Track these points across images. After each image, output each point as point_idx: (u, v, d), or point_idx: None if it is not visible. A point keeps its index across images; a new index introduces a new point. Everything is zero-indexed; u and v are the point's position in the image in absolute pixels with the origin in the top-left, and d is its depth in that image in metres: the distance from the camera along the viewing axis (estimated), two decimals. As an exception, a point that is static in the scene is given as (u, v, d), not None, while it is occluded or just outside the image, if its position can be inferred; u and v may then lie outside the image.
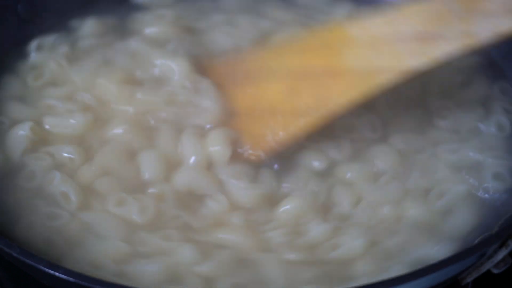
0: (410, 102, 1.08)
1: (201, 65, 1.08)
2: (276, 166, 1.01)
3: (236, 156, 1.00)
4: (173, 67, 1.09)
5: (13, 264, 0.89)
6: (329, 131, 1.01)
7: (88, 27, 1.20)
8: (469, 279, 0.89)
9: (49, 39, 1.19)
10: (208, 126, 1.03)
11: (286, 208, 0.96)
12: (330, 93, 0.95)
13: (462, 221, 0.96)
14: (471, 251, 0.83)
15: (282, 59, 1.02)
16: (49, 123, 1.05)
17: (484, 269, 0.88)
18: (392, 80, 0.91)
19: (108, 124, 1.05)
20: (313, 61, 0.99)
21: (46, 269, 0.81)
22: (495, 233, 0.89)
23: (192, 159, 1.00)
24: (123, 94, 1.07)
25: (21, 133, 1.03)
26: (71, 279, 0.80)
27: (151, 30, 1.19)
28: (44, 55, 1.17)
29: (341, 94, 0.94)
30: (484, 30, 0.87)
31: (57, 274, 0.80)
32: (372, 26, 0.95)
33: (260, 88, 1.02)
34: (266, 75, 1.02)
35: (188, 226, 0.94)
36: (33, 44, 1.18)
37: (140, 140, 1.03)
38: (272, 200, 0.98)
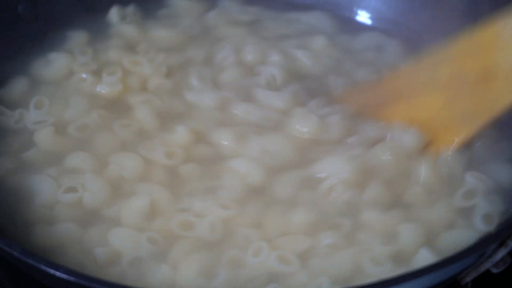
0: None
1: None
2: None
3: None
4: None
5: (13, 264, 0.89)
6: None
7: None
8: (469, 279, 0.89)
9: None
10: None
11: None
12: (487, 98, 0.91)
13: None
14: (471, 250, 0.83)
15: (432, 70, 0.98)
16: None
17: (483, 268, 0.88)
18: None
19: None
20: (465, 67, 0.94)
21: (47, 269, 0.81)
22: (494, 232, 0.89)
23: None
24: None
25: None
26: (71, 278, 0.80)
27: None
28: None
29: (500, 97, 0.89)
30: None
31: (57, 274, 0.80)
32: None
33: (412, 103, 0.99)
34: (417, 89, 0.99)
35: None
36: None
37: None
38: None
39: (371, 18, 1.36)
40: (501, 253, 0.87)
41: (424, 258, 0.89)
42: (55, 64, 1.24)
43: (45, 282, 0.88)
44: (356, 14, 1.37)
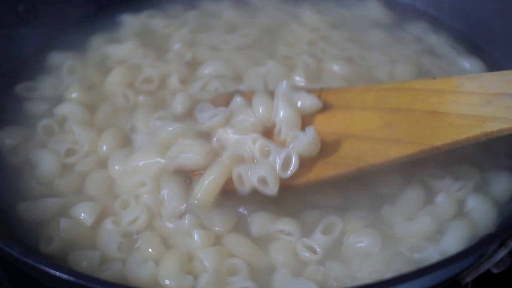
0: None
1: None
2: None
3: None
4: None
5: (13, 264, 0.89)
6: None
7: None
8: (469, 279, 0.89)
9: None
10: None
11: None
12: (429, 130, 0.94)
13: None
14: (471, 251, 0.84)
15: (383, 94, 1.02)
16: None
17: (483, 268, 0.88)
18: (508, 130, 0.89)
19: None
20: (414, 104, 0.98)
21: (46, 269, 0.81)
22: (494, 233, 0.89)
23: None
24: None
25: None
26: (71, 279, 0.80)
27: None
28: None
29: (445, 132, 0.93)
30: None
31: (57, 274, 0.81)
32: (483, 80, 0.95)
33: (354, 114, 1.02)
34: (362, 104, 1.02)
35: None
36: None
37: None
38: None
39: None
40: (502, 253, 0.87)
41: None
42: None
43: (45, 282, 0.88)
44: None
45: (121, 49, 1.27)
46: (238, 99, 1.06)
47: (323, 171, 0.97)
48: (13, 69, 1.24)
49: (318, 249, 0.95)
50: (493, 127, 0.90)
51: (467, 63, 1.25)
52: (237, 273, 0.93)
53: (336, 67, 1.22)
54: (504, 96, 0.91)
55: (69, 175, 1.07)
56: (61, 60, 1.26)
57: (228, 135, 1.01)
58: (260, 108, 1.04)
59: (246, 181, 0.97)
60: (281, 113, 1.01)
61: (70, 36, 1.32)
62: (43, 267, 0.82)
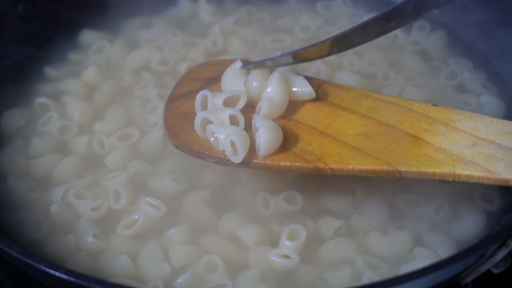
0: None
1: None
2: None
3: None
4: None
5: (13, 264, 0.89)
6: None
7: None
8: (469, 279, 0.89)
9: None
10: None
11: None
12: (402, 153, 0.92)
13: None
14: (471, 251, 0.83)
15: (374, 104, 1.00)
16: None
17: (484, 269, 0.88)
18: (478, 178, 0.87)
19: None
20: (406, 121, 0.97)
21: (46, 269, 0.81)
22: (495, 233, 0.89)
23: None
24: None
25: None
26: (71, 279, 0.80)
27: None
28: None
29: (415, 159, 0.91)
30: None
31: (57, 274, 0.81)
32: (481, 122, 0.93)
33: (342, 115, 1.00)
34: (353, 108, 1.01)
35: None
36: None
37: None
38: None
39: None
40: (502, 253, 0.87)
41: None
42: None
43: (45, 282, 0.88)
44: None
45: (152, 31, 1.31)
46: (238, 65, 1.05)
47: (280, 158, 0.96)
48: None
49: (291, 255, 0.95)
50: (464, 170, 0.87)
51: (487, 105, 1.18)
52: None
53: (347, 80, 1.20)
54: (491, 144, 0.89)
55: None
56: (92, 40, 1.29)
57: (214, 101, 1.01)
58: (254, 82, 1.02)
59: (220, 141, 0.96)
60: (268, 89, 0.99)
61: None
62: (43, 267, 0.82)
